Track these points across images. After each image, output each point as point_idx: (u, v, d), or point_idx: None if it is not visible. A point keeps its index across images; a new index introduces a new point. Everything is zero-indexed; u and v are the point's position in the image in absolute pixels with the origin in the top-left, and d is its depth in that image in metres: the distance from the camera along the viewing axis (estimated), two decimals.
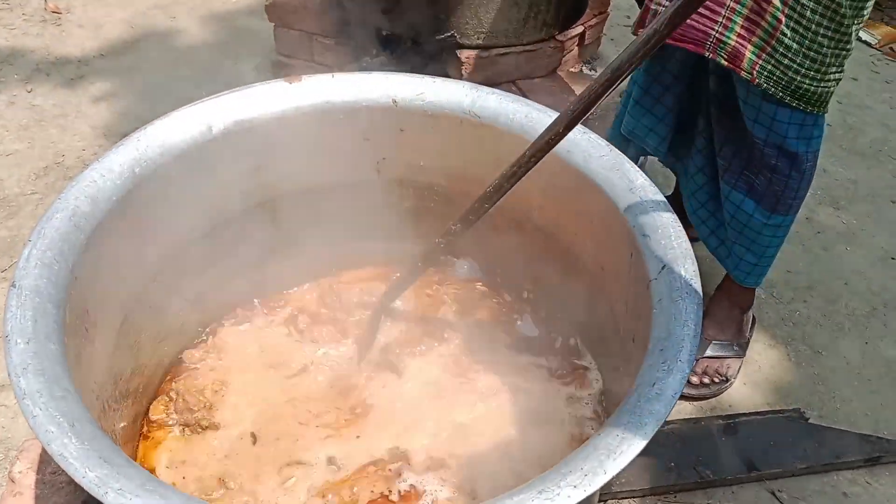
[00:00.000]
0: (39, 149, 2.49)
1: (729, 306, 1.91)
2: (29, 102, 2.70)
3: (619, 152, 1.30)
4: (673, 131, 1.81)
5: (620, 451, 0.86)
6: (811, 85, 1.47)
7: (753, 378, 1.94)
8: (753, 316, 1.98)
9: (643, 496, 1.65)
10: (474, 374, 1.46)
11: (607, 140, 1.96)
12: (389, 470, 1.29)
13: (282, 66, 2.69)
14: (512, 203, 1.49)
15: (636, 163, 2.03)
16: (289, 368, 1.48)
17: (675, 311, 1.03)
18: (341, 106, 1.44)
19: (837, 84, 1.51)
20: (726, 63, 1.51)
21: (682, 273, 1.08)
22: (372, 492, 1.26)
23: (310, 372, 1.47)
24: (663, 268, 1.10)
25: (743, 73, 1.49)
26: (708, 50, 1.52)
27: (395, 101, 1.43)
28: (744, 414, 1.81)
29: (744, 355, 1.93)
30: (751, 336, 1.96)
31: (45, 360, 0.94)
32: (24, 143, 2.51)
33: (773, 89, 1.48)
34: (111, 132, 2.56)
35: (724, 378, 1.86)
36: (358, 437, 1.35)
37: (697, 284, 1.07)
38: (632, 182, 1.25)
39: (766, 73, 1.47)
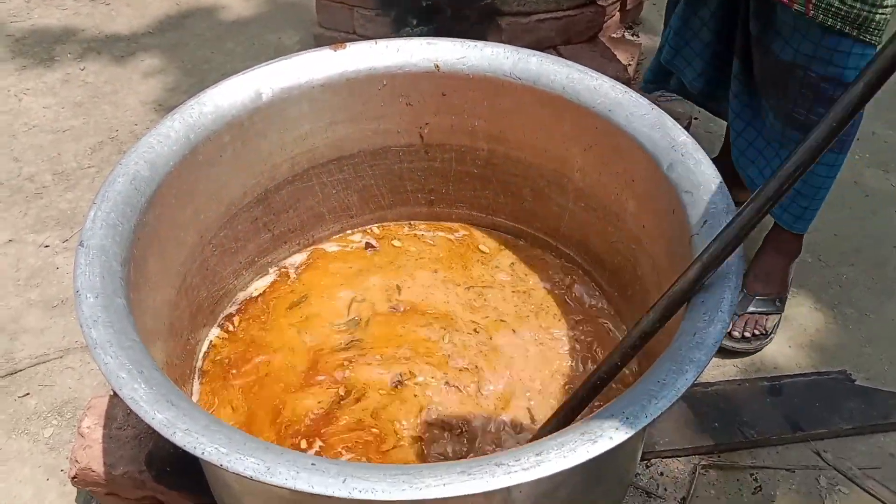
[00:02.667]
0: (94, 124, 2.57)
1: (775, 257, 1.90)
2: (82, 80, 2.78)
3: (661, 111, 1.30)
4: (711, 68, 1.82)
5: (661, 395, 0.88)
6: (868, 11, 1.43)
7: (799, 340, 1.93)
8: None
9: (687, 455, 1.66)
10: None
11: (649, 71, 1.99)
12: None
13: (324, 39, 2.72)
14: (553, 166, 1.51)
15: (677, 93, 2.03)
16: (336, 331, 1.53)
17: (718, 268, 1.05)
18: (385, 72, 1.47)
19: (893, 12, 1.48)
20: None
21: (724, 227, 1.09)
22: None
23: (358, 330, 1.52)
24: (705, 223, 1.12)
25: (796, 6, 1.45)
26: None
27: (437, 66, 1.46)
28: (788, 375, 1.81)
29: (783, 311, 1.93)
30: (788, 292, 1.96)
31: (113, 314, 1.00)
32: (80, 118, 2.59)
33: (829, 20, 1.45)
34: (161, 107, 2.63)
35: (764, 332, 1.87)
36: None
37: None
38: (674, 140, 1.26)
39: (822, 5, 1.44)
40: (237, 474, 0.84)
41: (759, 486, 1.63)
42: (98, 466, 1.45)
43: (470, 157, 1.59)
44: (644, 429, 0.87)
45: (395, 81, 1.48)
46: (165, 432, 0.87)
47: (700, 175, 1.19)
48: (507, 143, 1.53)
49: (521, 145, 1.52)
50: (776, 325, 1.91)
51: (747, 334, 1.85)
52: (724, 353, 1.87)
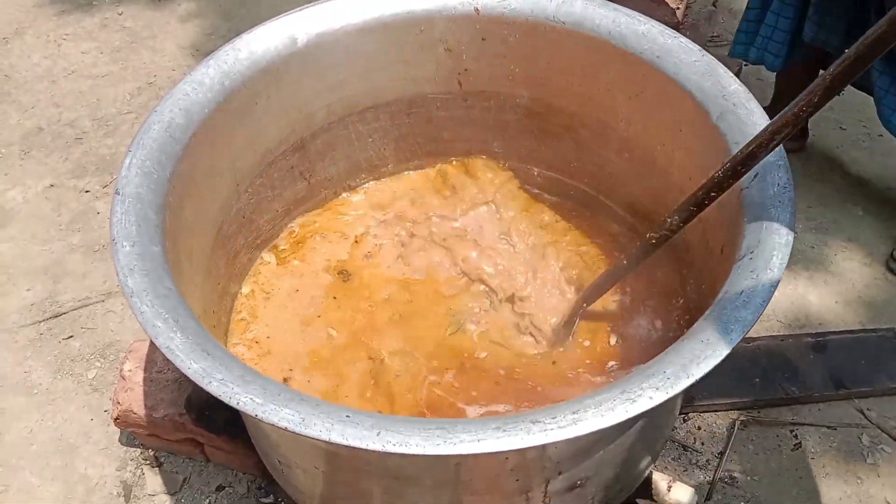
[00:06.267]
0: (132, 70, 2.57)
1: None
2: (120, 24, 2.77)
3: (713, 57, 1.24)
4: (856, 30, 1.77)
5: (705, 356, 0.86)
6: None
7: (846, 296, 1.87)
8: None
9: (726, 410, 1.64)
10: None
11: (773, 55, 1.91)
12: None
13: None
14: (597, 115, 1.46)
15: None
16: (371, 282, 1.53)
17: (767, 219, 1.01)
18: (423, 16, 1.42)
19: None
20: None
21: (776, 181, 1.05)
22: None
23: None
24: (756, 176, 1.07)
25: None
26: None
27: (477, 10, 1.41)
28: (834, 332, 1.76)
29: None
30: None
31: (149, 262, 1.00)
32: (118, 64, 2.59)
33: None
34: (199, 51, 2.61)
35: None
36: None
37: (791, 193, 1.03)
38: (725, 88, 1.20)
39: None
40: (272, 425, 0.84)
41: (799, 442, 1.61)
42: (139, 409, 1.48)
43: (510, 106, 1.55)
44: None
45: (434, 26, 1.43)
46: (201, 382, 0.87)
47: (752, 126, 1.13)
48: (549, 91, 1.48)
49: (564, 93, 1.47)
50: None
51: None
52: None
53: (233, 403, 0.86)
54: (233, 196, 1.33)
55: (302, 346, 1.41)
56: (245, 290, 1.49)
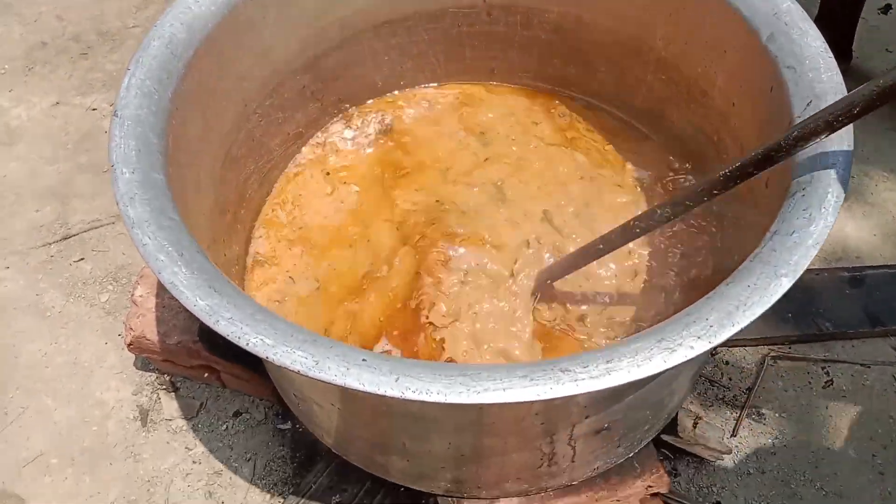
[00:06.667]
0: None
1: None
2: None
3: None
4: None
5: (751, 302, 0.79)
6: None
7: (886, 229, 1.79)
8: None
9: (756, 346, 1.59)
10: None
11: None
12: None
13: None
14: (632, 32, 1.36)
15: None
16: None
17: (822, 152, 0.92)
18: None
19: None
20: None
21: None
22: None
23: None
24: (809, 104, 0.97)
25: None
26: None
27: None
28: (872, 266, 1.69)
29: None
30: None
31: (151, 190, 0.93)
32: None
33: None
34: None
35: None
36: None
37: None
38: (777, 6, 1.09)
39: None
40: (284, 368, 0.79)
41: (831, 379, 1.56)
42: (152, 335, 1.44)
43: (538, 21, 1.44)
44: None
45: None
46: (208, 320, 0.82)
47: (806, 48, 1.03)
48: (581, 5, 1.38)
49: (597, 8, 1.36)
50: None
51: None
52: None
53: (242, 344, 0.81)
54: (241, 118, 1.25)
55: (323, 213, 1.43)
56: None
